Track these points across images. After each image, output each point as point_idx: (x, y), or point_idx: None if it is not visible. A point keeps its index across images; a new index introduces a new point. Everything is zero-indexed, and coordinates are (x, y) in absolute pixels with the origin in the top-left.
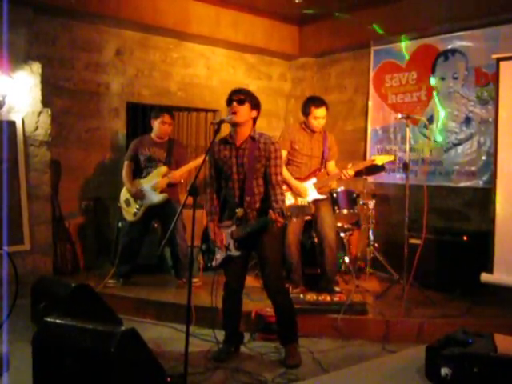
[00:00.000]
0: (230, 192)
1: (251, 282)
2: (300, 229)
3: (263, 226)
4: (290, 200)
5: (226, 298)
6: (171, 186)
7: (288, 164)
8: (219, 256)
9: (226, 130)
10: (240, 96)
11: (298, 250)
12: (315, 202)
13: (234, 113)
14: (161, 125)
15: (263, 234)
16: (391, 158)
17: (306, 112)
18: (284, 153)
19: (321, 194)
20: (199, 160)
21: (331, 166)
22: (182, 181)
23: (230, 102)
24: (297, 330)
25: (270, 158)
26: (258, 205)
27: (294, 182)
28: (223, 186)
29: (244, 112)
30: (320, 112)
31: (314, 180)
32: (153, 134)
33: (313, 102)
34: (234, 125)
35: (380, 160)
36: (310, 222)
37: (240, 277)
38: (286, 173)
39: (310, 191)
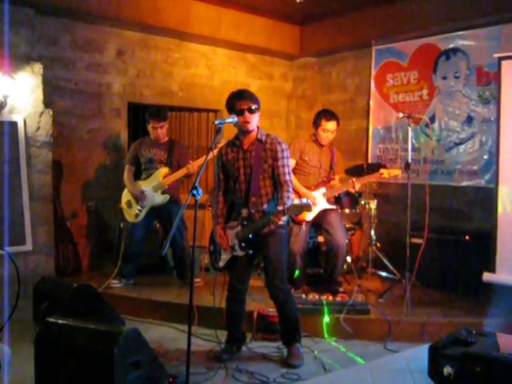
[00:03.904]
0: (236, 193)
1: (253, 281)
2: (305, 238)
3: (266, 226)
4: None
5: (230, 298)
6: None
7: (296, 173)
8: (225, 257)
9: (227, 130)
10: (251, 105)
11: (303, 259)
12: (324, 210)
13: (248, 122)
14: (152, 129)
15: (268, 236)
16: (398, 172)
17: (317, 123)
18: (292, 162)
19: (329, 203)
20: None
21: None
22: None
23: (241, 111)
24: (300, 330)
25: (278, 158)
26: (264, 205)
27: (303, 191)
28: (231, 188)
29: (255, 120)
30: (330, 125)
31: (323, 190)
32: (151, 136)
33: (324, 114)
34: (244, 132)
35: (387, 173)
36: (312, 223)
37: (244, 278)
38: (295, 181)
39: (319, 200)
